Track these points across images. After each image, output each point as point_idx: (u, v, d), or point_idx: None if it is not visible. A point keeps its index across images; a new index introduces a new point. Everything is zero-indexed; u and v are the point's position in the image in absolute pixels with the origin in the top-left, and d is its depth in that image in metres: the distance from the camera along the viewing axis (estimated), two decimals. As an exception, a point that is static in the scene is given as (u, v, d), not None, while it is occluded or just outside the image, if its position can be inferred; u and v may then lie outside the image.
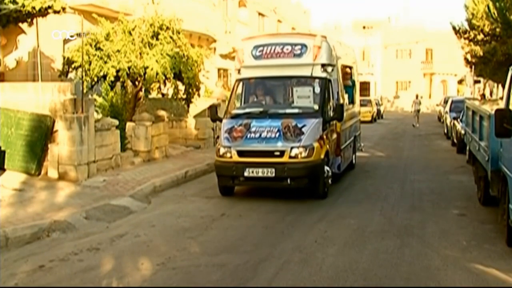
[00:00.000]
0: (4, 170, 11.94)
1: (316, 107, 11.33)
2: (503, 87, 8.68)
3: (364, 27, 72.39)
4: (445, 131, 25.62)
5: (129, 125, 15.33)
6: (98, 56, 14.97)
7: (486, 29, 27.22)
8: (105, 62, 14.88)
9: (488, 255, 7.38)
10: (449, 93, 59.03)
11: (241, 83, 12.48)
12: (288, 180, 10.49)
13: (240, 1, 35.38)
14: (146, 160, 15.07)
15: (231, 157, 10.73)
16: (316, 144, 10.57)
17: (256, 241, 8.13)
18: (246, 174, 10.57)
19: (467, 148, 13.58)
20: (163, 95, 17.49)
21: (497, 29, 24.12)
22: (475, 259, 7.21)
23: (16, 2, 15.77)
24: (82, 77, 13.35)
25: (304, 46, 11.73)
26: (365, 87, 66.39)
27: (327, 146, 11.20)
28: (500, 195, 8.39)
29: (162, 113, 16.59)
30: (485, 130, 9.65)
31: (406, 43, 67.18)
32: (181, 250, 7.68)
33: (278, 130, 10.61)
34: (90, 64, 14.83)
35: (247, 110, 11.75)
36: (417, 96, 37.61)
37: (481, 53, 33.79)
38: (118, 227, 8.97)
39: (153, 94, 17.79)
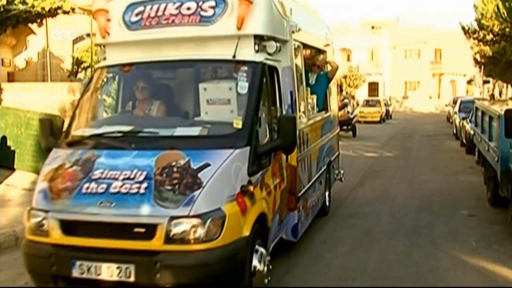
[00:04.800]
0: (14, 170, 12.02)
1: (237, 123, 5.51)
2: (513, 87, 8.59)
3: (372, 27, 72.33)
4: (454, 131, 25.53)
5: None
6: (107, 57, 15.02)
7: (496, 29, 27.12)
8: (114, 63, 14.93)
9: (497, 256, 7.34)
10: (458, 94, 58.89)
11: (104, 76, 6.85)
12: None
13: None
14: (154, 160, 15.07)
15: (48, 234, 5.17)
16: (230, 208, 5.02)
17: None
18: (76, 273, 5.00)
19: (476, 148, 13.54)
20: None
21: (507, 29, 24.03)
22: (484, 260, 7.17)
23: (25, 2, 15.89)
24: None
25: (220, 1, 6.08)
26: (374, 88, 66.53)
27: (264, 203, 5.74)
28: (510, 195, 8.38)
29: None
30: (494, 130, 9.62)
31: (414, 43, 67.07)
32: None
33: (147, 177, 5.04)
34: (99, 64, 14.90)
35: (100, 131, 5.95)
36: (344, 98, 32.57)
37: (491, 53, 33.70)
38: (127, 227, 8.99)
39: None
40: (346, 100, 28.41)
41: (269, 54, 6.25)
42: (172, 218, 4.77)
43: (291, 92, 6.81)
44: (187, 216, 4.78)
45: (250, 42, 6.07)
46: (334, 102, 10.73)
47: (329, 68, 9.61)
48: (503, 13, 21.14)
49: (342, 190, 11.58)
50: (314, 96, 8.65)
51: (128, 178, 5.06)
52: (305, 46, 8.26)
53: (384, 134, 28.59)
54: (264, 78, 6.02)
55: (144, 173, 5.06)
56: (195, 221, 4.78)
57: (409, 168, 16.02)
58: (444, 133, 28.50)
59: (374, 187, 12.71)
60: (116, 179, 5.08)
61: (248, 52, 6.05)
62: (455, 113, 25.78)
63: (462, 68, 64.43)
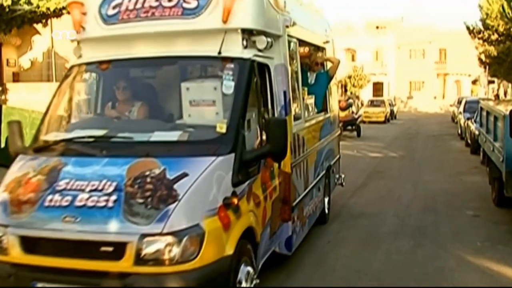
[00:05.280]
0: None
1: (221, 127, 4.96)
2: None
3: (377, 27, 72.28)
4: (459, 131, 25.49)
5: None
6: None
7: (501, 29, 27.09)
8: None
9: (501, 256, 7.32)
10: (463, 94, 58.85)
11: (80, 74, 6.26)
12: None
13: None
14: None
15: (6, 251, 4.59)
16: (210, 223, 4.42)
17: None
18: None
19: (481, 149, 13.52)
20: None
21: (512, 29, 24.00)
22: (489, 260, 7.15)
23: (31, 3, 15.96)
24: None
25: None
26: (378, 88, 66.47)
27: (251, 216, 5.13)
28: (515, 196, 8.37)
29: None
30: (499, 130, 9.60)
31: (419, 43, 67.01)
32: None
33: (117, 188, 4.49)
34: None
35: (71, 135, 5.44)
36: (348, 98, 31.03)
37: (495, 53, 33.70)
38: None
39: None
40: (350, 100, 28.42)
41: (259, 50, 5.68)
42: (143, 235, 4.17)
43: (284, 92, 6.21)
44: (160, 234, 4.18)
45: (238, 36, 5.50)
46: (334, 102, 10.18)
47: (329, 65, 8.98)
48: (508, 13, 21.14)
49: (346, 191, 11.55)
50: (312, 96, 8.19)
51: (96, 190, 4.48)
52: (302, 42, 7.72)
53: (388, 134, 28.54)
54: (253, 76, 5.43)
55: (114, 184, 4.49)
56: (170, 239, 4.18)
57: (414, 169, 15.99)
58: (449, 133, 28.46)
59: (378, 187, 12.69)
60: (83, 190, 4.50)
61: (235, 48, 5.48)
62: (460, 113, 25.73)
63: (467, 68, 64.35)
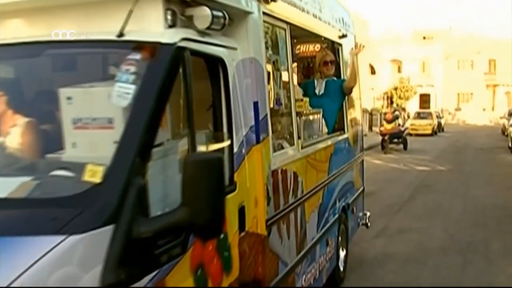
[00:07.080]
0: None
1: (92, 171, 2.46)
2: None
3: (424, 38, 71.44)
4: (510, 144, 24.99)
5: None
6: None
7: (553, 39, 26.47)
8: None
9: (556, 274, 7.14)
10: (514, 105, 57.49)
11: None
12: None
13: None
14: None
15: None
16: None
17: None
18: None
19: (533, 162, 13.20)
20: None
21: None
22: (543, 278, 6.98)
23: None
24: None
25: None
26: (425, 99, 65.58)
27: None
28: None
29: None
30: (552, 144, 9.38)
31: (468, 54, 65.95)
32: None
33: None
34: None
35: None
36: (394, 110, 29.67)
37: (548, 64, 32.91)
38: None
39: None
40: (397, 113, 28.12)
41: (201, 32, 3.23)
42: None
43: (255, 104, 3.76)
44: None
45: (157, 7, 3.03)
46: (357, 116, 7.68)
47: (348, 73, 6.70)
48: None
49: (394, 204, 11.47)
50: (319, 111, 5.86)
51: None
52: (298, 31, 5.27)
53: (436, 147, 28.12)
54: (182, 75, 2.89)
55: None
56: None
57: (463, 182, 15.69)
58: (499, 146, 27.86)
59: (426, 201, 12.50)
60: None
61: (151, 26, 3.03)
62: (511, 125, 25.23)
63: (518, 79, 62.99)
